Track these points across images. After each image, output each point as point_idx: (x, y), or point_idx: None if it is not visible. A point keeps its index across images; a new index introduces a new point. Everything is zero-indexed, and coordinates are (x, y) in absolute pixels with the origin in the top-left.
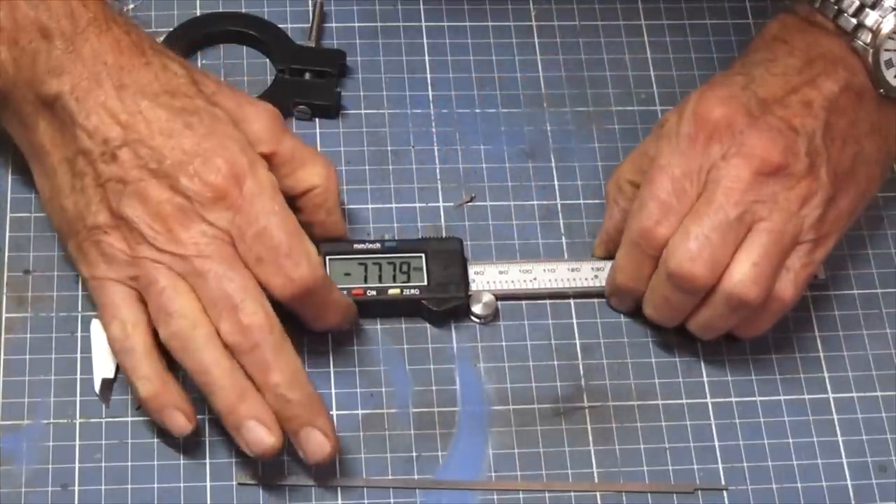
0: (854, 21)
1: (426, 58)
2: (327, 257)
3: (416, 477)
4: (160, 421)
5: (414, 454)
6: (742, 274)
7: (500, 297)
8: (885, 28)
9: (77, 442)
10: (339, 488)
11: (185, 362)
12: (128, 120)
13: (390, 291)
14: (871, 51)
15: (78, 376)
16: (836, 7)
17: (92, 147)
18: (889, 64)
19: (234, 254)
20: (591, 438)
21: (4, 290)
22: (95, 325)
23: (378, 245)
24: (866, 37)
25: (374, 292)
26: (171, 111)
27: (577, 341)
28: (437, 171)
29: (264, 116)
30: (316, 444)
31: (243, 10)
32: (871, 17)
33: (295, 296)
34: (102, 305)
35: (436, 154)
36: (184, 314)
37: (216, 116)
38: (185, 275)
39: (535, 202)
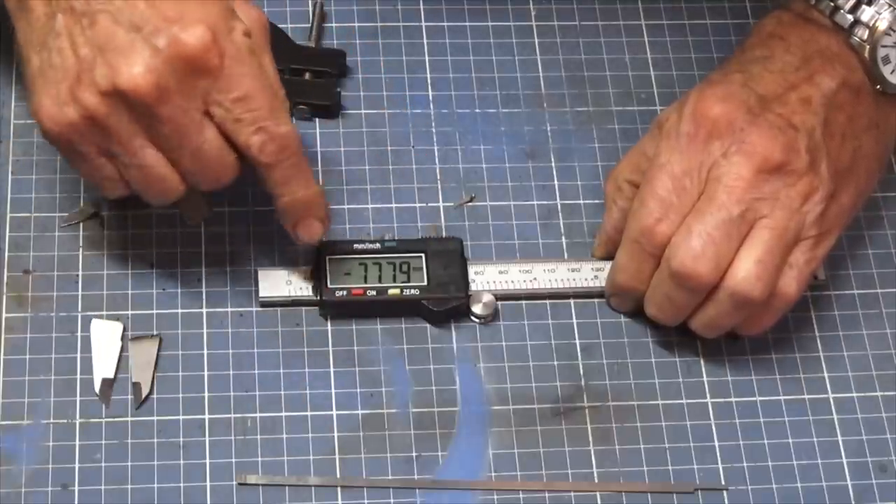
0: (850, 17)
1: (426, 58)
2: (327, 257)
3: (416, 477)
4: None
5: (414, 454)
6: (746, 271)
7: (500, 297)
8: (882, 24)
9: (77, 442)
10: (339, 488)
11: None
12: None
13: (390, 291)
14: (867, 47)
15: (78, 376)
16: (832, 4)
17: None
18: (886, 60)
19: None
20: (591, 438)
21: (4, 290)
22: (95, 325)
23: (378, 245)
24: (863, 33)
25: (374, 292)
26: None
27: (577, 341)
28: (437, 171)
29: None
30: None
31: None
32: (867, 14)
33: (276, 153)
34: None
35: (436, 154)
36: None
37: None
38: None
39: (535, 202)
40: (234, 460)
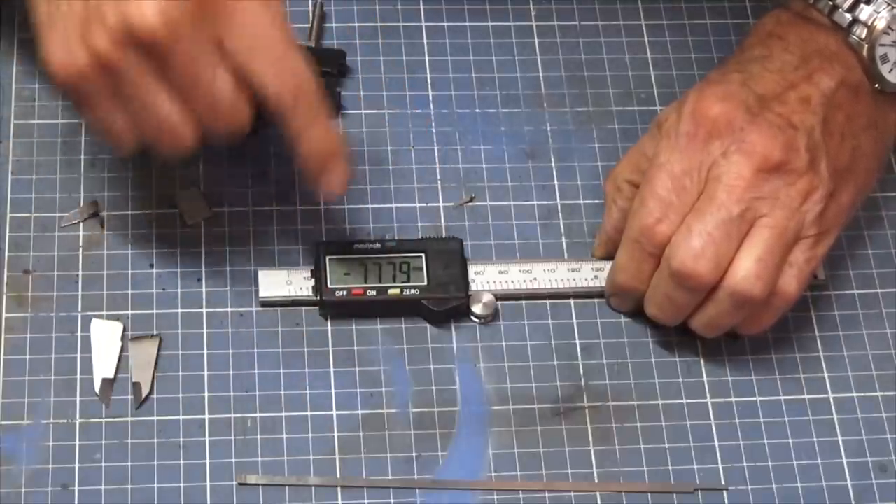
0: (849, 17)
1: (426, 58)
2: (327, 257)
3: (416, 477)
4: None
5: (414, 454)
6: (746, 270)
7: (500, 297)
8: (880, 23)
9: (77, 442)
10: (339, 488)
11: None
12: None
13: (390, 291)
14: (866, 46)
15: (78, 376)
16: (830, 3)
17: None
18: (884, 59)
19: None
20: (591, 438)
21: (4, 290)
22: (95, 325)
23: (378, 245)
24: (861, 32)
25: (374, 292)
26: None
27: (577, 341)
28: (437, 171)
29: None
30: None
31: None
32: (865, 13)
33: (292, 90)
34: None
35: (436, 154)
36: None
37: None
38: None
39: (535, 202)
40: (234, 460)
